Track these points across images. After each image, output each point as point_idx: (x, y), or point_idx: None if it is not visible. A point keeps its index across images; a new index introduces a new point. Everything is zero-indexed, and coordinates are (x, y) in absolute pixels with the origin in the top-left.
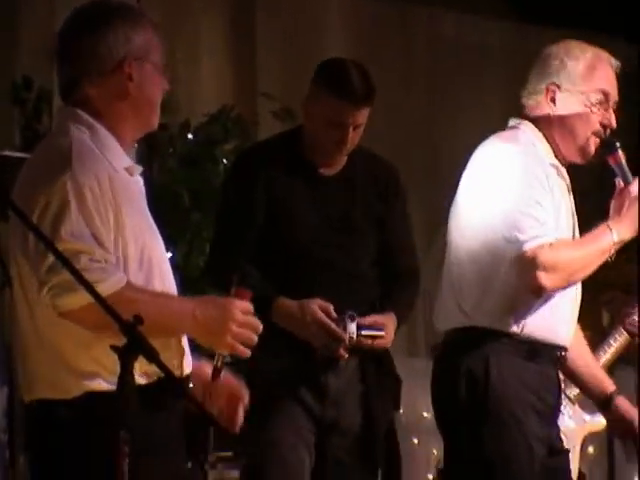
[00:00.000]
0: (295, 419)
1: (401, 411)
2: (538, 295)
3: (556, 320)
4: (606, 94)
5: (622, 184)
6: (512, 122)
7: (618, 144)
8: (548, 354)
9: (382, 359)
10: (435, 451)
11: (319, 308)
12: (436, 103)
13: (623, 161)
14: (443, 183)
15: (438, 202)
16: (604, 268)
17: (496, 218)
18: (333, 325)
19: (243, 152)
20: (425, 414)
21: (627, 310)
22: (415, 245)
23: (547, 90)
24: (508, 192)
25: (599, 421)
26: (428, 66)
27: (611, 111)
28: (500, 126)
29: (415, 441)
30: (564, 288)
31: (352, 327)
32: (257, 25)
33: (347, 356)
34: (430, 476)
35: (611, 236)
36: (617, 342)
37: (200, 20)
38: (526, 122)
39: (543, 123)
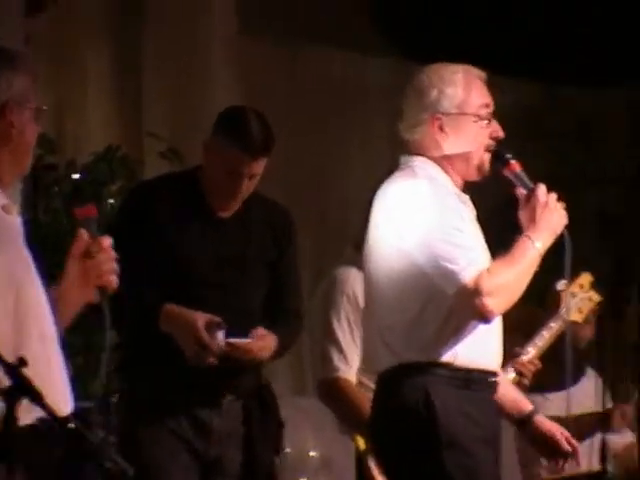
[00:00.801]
0: (177, 454)
1: (288, 450)
2: (487, 322)
3: (486, 346)
4: (488, 106)
5: (525, 193)
6: (403, 161)
7: (509, 155)
8: (483, 381)
9: (266, 401)
10: None
11: (203, 320)
12: (327, 144)
13: (519, 170)
14: (333, 225)
15: (328, 245)
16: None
17: (417, 253)
18: (202, 332)
19: (137, 187)
20: (312, 453)
21: (516, 351)
22: (301, 287)
23: (433, 120)
24: (425, 225)
25: None
26: (318, 107)
27: (494, 122)
28: (386, 164)
29: None
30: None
31: (220, 335)
32: (144, 65)
33: (216, 362)
34: None
35: (534, 247)
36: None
37: (87, 59)
38: (418, 158)
39: (434, 154)
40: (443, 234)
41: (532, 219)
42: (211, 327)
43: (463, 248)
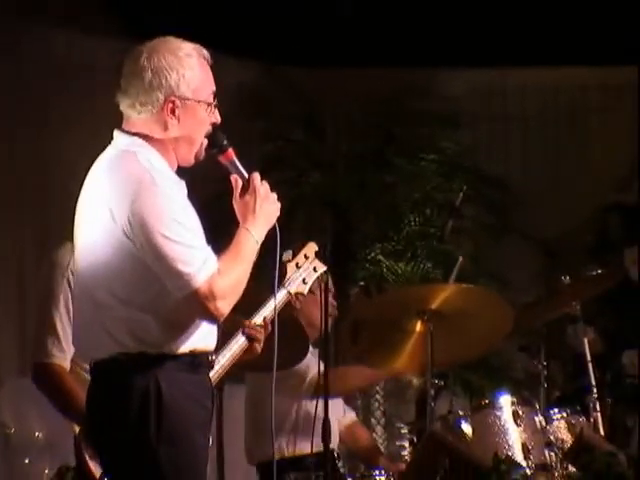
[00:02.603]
0: None
1: (13, 430)
2: (216, 323)
3: (204, 327)
4: (214, 94)
5: (240, 181)
6: (123, 141)
7: (226, 141)
8: (205, 363)
9: None
10: (47, 470)
11: None
12: (47, 123)
13: (235, 158)
14: (54, 201)
15: (50, 225)
16: None
17: (145, 251)
18: None
19: None
20: (37, 433)
21: (242, 320)
22: None
23: (166, 103)
24: (152, 220)
25: None
26: (39, 86)
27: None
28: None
29: (27, 461)
30: None
31: None
32: None
33: None
34: None
35: (254, 240)
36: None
37: None
38: (141, 143)
39: (156, 135)
40: (174, 233)
41: (250, 210)
42: None
43: (194, 248)
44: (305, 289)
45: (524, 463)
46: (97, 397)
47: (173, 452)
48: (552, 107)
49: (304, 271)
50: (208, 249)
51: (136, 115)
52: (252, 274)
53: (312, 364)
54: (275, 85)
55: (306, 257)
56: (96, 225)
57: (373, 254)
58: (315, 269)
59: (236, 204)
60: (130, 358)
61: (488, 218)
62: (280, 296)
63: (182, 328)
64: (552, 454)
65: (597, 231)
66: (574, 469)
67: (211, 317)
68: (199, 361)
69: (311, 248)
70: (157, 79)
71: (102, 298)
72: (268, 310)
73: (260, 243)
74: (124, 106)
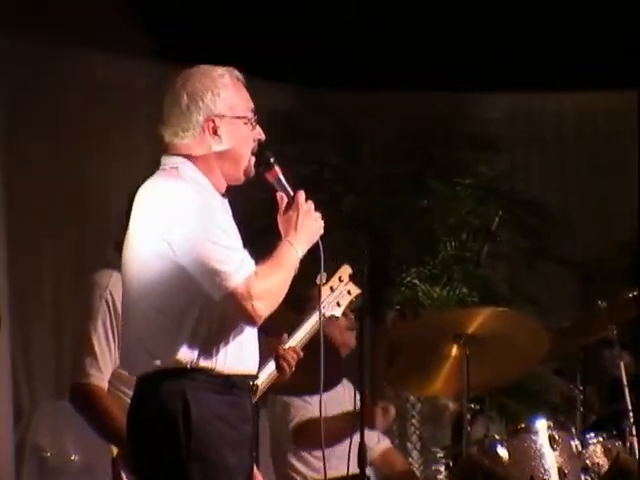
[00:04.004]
0: None
1: (49, 454)
2: (255, 325)
3: (245, 350)
4: (253, 111)
5: (285, 198)
6: (167, 162)
7: (273, 159)
8: (242, 385)
9: None
10: None
11: None
12: (89, 144)
13: (281, 175)
14: (92, 224)
15: (86, 242)
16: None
17: (181, 255)
18: None
19: None
20: (73, 457)
21: (274, 342)
22: None
23: (206, 123)
24: (189, 226)
25: None
26: (78, 106)
27: (257, 125)
28: (147, 166)
29: None
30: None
31: None
32: None
33: None
34: None
35: (296, 252)
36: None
37: None
38: (183, 161)
39: (202, 158)
40: (212, 235)
41: (292, 225)
42: None
43: (232, 249)
44: (339, 312)
45: None
46: (133, 413)
47: (204, 469)
48: (588, 130)
49: (338, 294)
50: (246, 252)
51: (179, 141)
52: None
53: (300, 409)
54: (310, 108)
55: (340, 280)
56: (141, 240)
57: (409, 278)
58: (349, 292)
59: (280, 221)
60: (165, 374)
61: (524, 242)
62: (315, 318)
63: (214, 341)
64: (588, 479)
65: (634, 254)
66: None
67: (249, 318)
68: (233, 382)
69: (346, 271)
70: (194, 103)
71: (142, 310)
72: (303, 332)
73: (301, 256)
74: (168, 135)
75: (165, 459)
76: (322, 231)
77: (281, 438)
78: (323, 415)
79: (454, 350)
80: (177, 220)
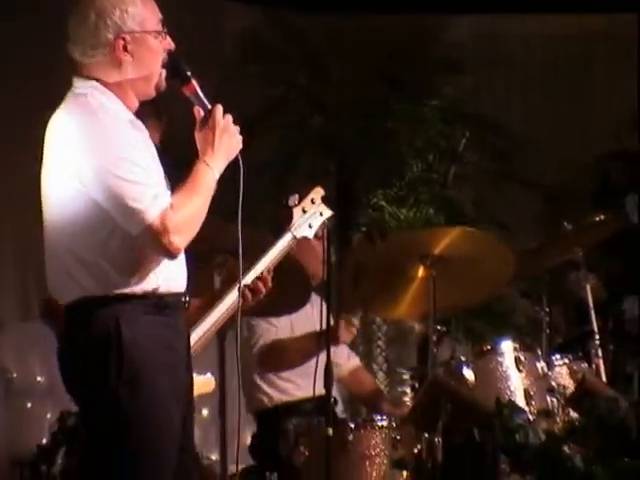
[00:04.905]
0: None
1: (14, 375)
2: (174, 258)
3: (175, 268)
4: (162, 22)
5: (202, 113)
6: (77, 85)
7: (189, 72)
8: (175, 304)
9: None
10: (49, 414)
11: None
12: None
13: (198, 89)
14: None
15: None
16: (215, 233)
17: (96, 192)
18: None
19: None
20: (39, 378)
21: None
22: None
23: (116, 41)
24: (102, 162)
25: (209, 382)
26: None
27: (167, 36)
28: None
29: (29, 405)
30: None
31: None
32: None
33: None
34: (44, 440)
35: (212, 174)
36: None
37: None
38: (91, 83)
39: (112, 78)
40: (123, 171)
41: (209, 142)
42: None
43: (145, 185)
44: (311, 234)
45: (526, 409)
46: (65, 340)
47: (134, 393)
48: (554, 55)
49: (310, 216)
50: (162, 185)
51: (89, 60)
52: (250, 220)
53: (265, 332)
54: (279, 30)
55: (312, 202)
56: (54, 173)
57: (375, 200)
58: (321, 214)
59: (197, 137)
60: (93, 301)
61: (490, 164)
62: (286, 240)
63: (140, 268)
64: (554, 400)
65: (599, 178)
66: (576, 415)
67: (166, 252)
68: (166, 302)
69: (318, 193)
70: (102, 20)
71: (64, 244)
72: (270, 258)
73: (218, 176)
74: (76, 54)
75: (97, 383)
76: (240, 146)
77: (247, 361)
78: (289, 335)
79: (420, 271)
80: (87, 158)
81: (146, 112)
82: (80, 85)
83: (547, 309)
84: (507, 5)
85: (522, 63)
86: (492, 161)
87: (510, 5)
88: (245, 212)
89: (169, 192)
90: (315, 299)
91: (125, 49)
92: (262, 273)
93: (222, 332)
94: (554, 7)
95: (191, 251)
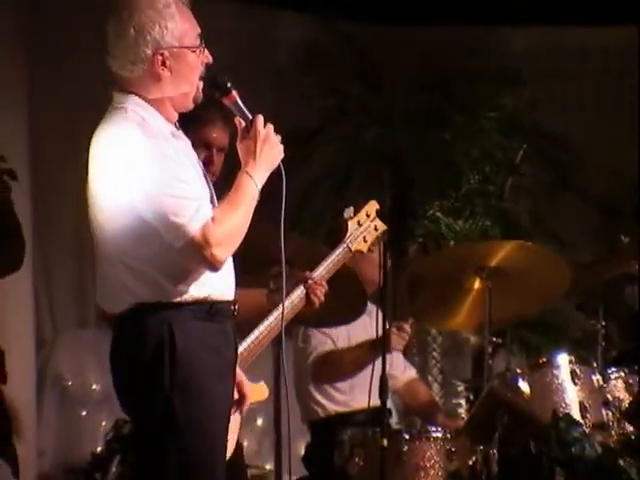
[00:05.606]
0: None
1: (70, 383)
2: (216, 270)
3: (224, 276)
4: (200, 36)
5: (243, 123)
6: (117, 100)
7: (229, 83)
8: (224, 311)
9: None
10: (104, 422)
11: None
12: None
13: (238, 100)
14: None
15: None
16: (272, 242)
17: (140, 207)
18: None
19: None
20: (94, 386)
21: (303, 274)
22: None
23: (155, 57)
24: (143, 178)
25: (262, 389)
26: None
27: (205, 49)
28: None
29: (84, 413)
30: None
31: None
32: None
33: None
34: (99, 448)
35: (254, 185)
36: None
37: None
38: (131, 98)
39: (152, 94)
40: (164, 186)
41: (251, 153)
42: None
43: (187, 199)
44: (365, 247)
45: (582, 422)
46: (116, 348)
47: (187, 399)
48: (610, 66)
49: (365, 229)
50: (204, 197)
51: (129, 74)
52: (309, 232)
53: (320, 343)
54: (335, 40)
55: (367, 215)
56: (101, 189)
57: (432, 211)
58: (376, 228)
59: (239, 148)
60: (146, 308)
61: (547, 176)
62: (341, 252)
63: (189, 277)
64: (609, 413)
65: None
66: (631, 428)
67: (208, 264)
68: (216, 309)
69: (372, 206)
70: (142, 36)
71: (115, 255)
72: (329, 266)
73: (260, 186)
74: (115, 67)
75: (151, 389)
76: (282, 156)
77: (302, 371)
78: (346, 345)
79: (476, 283)
80: (130, 173)
81: (214, 116)
82: (121, 100)
83: (603, 322)
84: (563, 16)
85: (578, 75)
86: (549, 173)
87: (566, 16)
88: (304, 224)
89: (211, 198)
90: (372, 309)
91: (164, 64)
92: (316, 282)
93: (278, 341)
94: (611, 19)
95: (247, 261)
